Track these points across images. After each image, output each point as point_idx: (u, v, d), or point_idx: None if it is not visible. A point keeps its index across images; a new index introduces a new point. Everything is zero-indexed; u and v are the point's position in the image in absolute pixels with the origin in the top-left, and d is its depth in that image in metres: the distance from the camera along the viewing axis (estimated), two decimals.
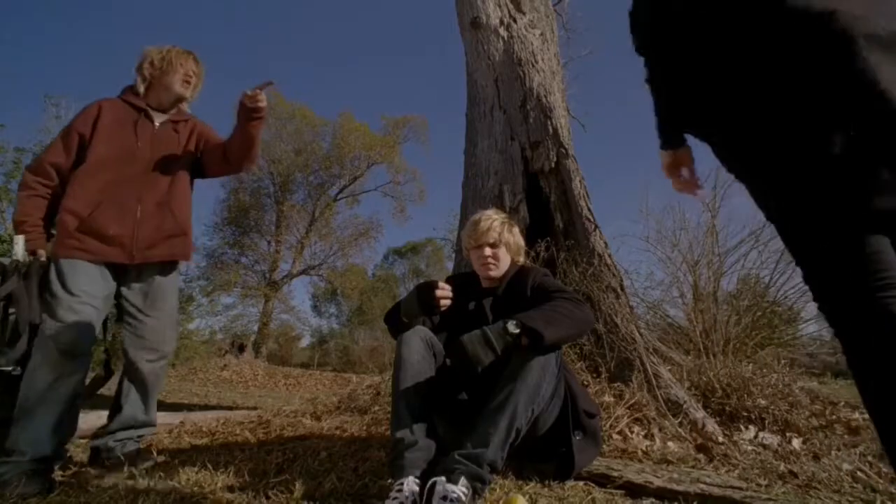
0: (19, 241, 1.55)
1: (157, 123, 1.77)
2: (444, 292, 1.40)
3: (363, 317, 22.92)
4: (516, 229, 1.63)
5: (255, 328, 17.49)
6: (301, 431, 2.17)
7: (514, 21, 3.77)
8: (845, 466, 1.61)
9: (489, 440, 1.13)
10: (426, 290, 1.41)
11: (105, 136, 1.68)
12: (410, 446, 1.21)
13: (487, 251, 1.55)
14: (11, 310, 1.47)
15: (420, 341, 1.39)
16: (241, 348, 14.29)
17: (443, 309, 1.42)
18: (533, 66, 3.46)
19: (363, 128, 19.37)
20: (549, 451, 1.38)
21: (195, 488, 1.30)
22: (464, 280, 1.68)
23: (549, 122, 3.15)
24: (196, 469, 1.47)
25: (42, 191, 1.63)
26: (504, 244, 1.57)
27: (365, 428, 2.15)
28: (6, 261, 1.53)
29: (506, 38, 3.65)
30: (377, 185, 20.33)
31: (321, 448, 1.72)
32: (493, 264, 1.55)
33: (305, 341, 27.52)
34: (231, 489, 1.30)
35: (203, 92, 1.91)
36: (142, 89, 1.78)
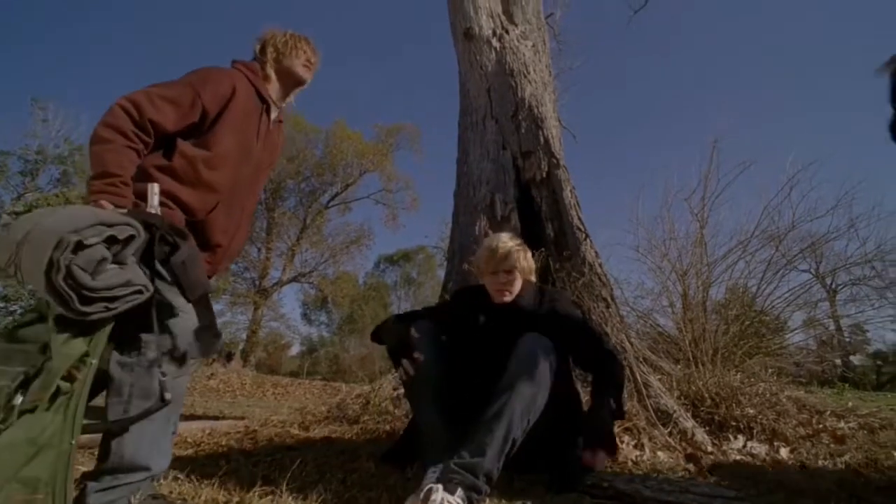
0: (155, 189, 1.21)
1: (271, 119, 1.58)
2: (409, 365, 1.48)
3: (354, 325, 22.77)
4: (529, 254, 1.69)
5: (244, 336, 17.31)
6: (289, 442, 2.14)
7: (507, 32, 3.82)
8: (831, 476, 1.62)
9: (485, 450, 1.16)
10: (398, 352, 1.54)
11: (234, 126, 1.41)
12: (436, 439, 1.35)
13: (503, 278, 1.58)
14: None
15: (432, 336, 1.52)
16: (229, 357, 14.08)
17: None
18: (525, 76, 3.51)
19: (356, 136, 19.43)
20: (546, 462, 1.39)
21: (178, 501, 1.27)
22: (473, 294, 1.73)
23: (540, 133, 3.18)
24: (179, 481, 1.43)
25: (139, 146, 1.26)
26: (519, 270, 1.61)
27: (354, 438, 2.12)
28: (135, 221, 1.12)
29: (498, 48, 3.69)
30: (369, 192, 20.38)
31: (309, 459, 1.69)
32: (509, 290, 1.60)
33: (295, 350, 27.27)
34: (215, 502, 1.27)
35: None
36: (273, 74, 1.57)
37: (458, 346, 1.59)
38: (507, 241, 1.63)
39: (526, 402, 1.23)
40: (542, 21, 4.34)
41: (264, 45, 1.59)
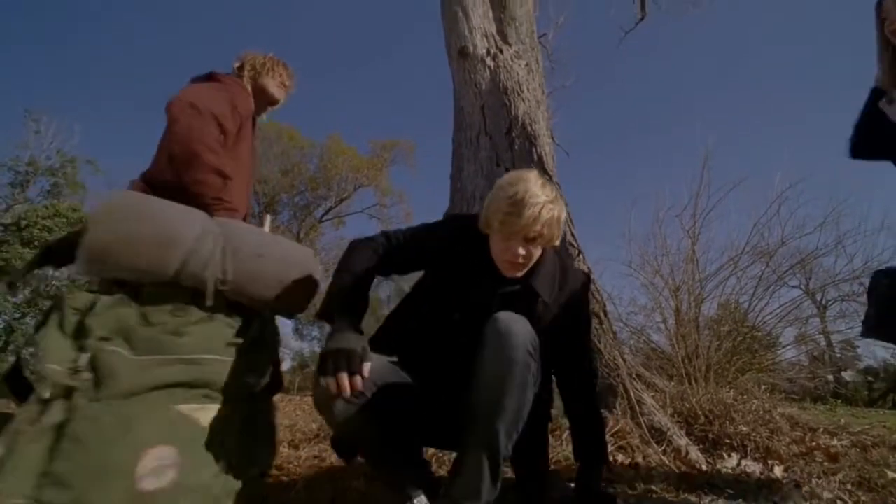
0: (268, 220, 1.35)
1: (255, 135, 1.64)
2: (344, 383, 1.00)
3: None
4: (564, 213, 1.14)
5: None
6: (277, 461, 2.08)
7: (501, 52, 3.89)
8: (825, 495, 1.61)
9: (480, 482, 0.95)
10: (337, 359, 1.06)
11: (246, 143, 1.48)
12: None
13: (522, 249, 1.09)
14: None
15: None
16: None
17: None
18: (518, 94, 3.57)
19: (351, 150, 19.55)
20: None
21: None
22: (473, 247, 1.20)
23: (533, 150, 3.22)
24: None
25: None
26: (547, 239, 1.12)
27: None
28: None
29: (492, 67, 3.76)
30: (363, 207, 20.41)
31: (298, 479, 1.66)
32: (523, 265, 1.14)
33: (286, 365, 26.82)
34: None
35: None
36: (249, 89, 1.62)
37: (437, 320, 1.24)
38: (538, 193, 1.07)
39: (492, 442, 0.96)
40: (536, 41, 4.43)
41: (243, 64, 1.66)
